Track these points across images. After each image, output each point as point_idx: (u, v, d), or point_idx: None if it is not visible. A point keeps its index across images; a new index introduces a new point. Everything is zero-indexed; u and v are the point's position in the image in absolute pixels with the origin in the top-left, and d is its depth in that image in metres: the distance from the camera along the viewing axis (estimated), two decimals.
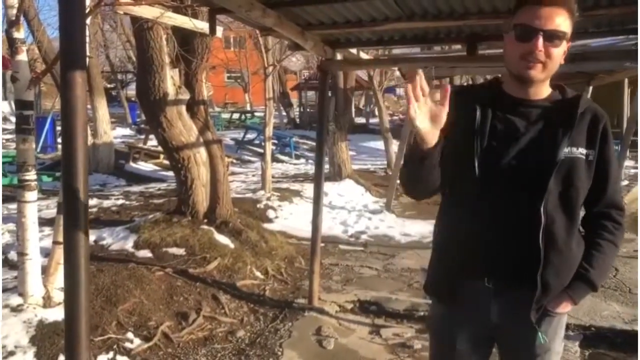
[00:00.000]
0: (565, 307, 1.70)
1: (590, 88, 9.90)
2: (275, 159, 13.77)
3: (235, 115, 26.19)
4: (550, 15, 1.55)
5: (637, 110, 8.06)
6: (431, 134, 1.48)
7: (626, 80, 13.40)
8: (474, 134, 1.64)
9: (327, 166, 10.06)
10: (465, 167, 1.64)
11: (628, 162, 12.51)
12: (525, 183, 1.61)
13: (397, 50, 10.00)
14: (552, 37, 1.55)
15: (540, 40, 1.55)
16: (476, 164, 1.62)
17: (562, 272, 1.67)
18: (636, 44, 5.37)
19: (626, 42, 5.44)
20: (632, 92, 11.44)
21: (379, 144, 15.03)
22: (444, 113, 1.46)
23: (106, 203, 7.97)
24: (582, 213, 1.75)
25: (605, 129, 1.66)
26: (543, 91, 1.68)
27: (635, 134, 11.00)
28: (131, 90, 25.67)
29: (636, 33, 4.32)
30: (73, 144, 1.87)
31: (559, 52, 1.59)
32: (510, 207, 1.63)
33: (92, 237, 5.43)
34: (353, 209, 8.58)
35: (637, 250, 6.22)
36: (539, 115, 1.66)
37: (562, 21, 1.56)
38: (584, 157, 1.63)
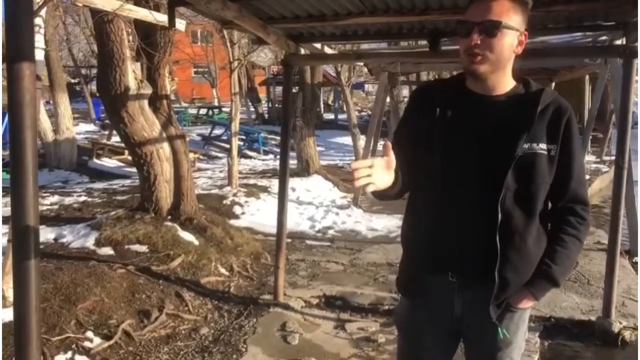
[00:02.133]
0: (526, 303, 1.71)
1: (553, 84, 10.13)
2: (243, 155, 13.67)
3: (203, 111, 25.90)
4: (487, 7, 1.55)
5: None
6: (384, 181, 1.48)
7: (587, 77, 13.72)
8: (434, 132, 1.65)
9: (295, 162, 10.04)
10: (426, 164, 1.66)
11: (589, 157, 12.83)
12: (484, 179, 1.62)
13: (365, 46, 10.03)
14: (488, 28, 1.55)
15: (475, 33, 1.55)
16: (436, 161, 1.64)
17: (520, 268, 1.66)
18: (593, 42, 5.50)
19: (585, 39, 5.57)
20: (593, 88, 11.71)
21: (347, 140, 15.05)
22: (390, 161, 1.48)
23: (68, 200, 7.79)
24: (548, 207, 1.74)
25: (569, 123, 1.64)
26: (503, 85, 1.67)
27: (596, 130, 11.30)
28: (95, 85, 25.14)
29: (593, 30, 4.42)
30: (20, 138, 1.82)
31: (502, 43, 1.57)
32: (469, 203, 1.64)
33: (52, 235, 5.31)
34: (321, 204, 8.58)
35: (596, 243, 6.37)
36: (499, 111, 1.65)
37: (501, 11, 1.55)
38: (545, 152, 1.61)
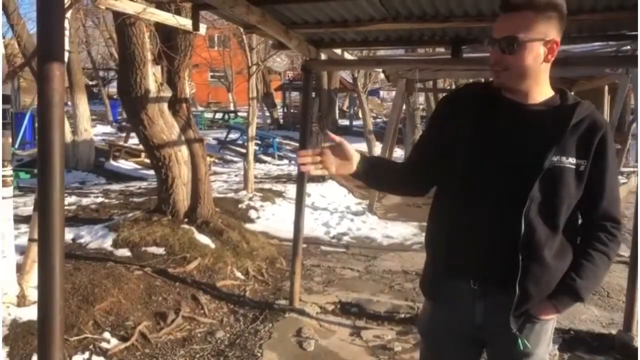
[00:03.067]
0: (548, 315, 1.69)
1: (572, 93, 10.04)
2: (258, 160, 13.71)
3: (218, 115, 26.06)
4: (508, 22, 1.55)
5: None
6: (343, 167, 1.68)
7: (606, 87, 13.59)
8: (464, 138, 1.65)
9: None
10: (454, 169, 1.66)
11: None
12: (509, 189, 1.60)
13: (381, 52, 10.02)
14: (506, 44, 1.55)
15: (496, 50, 1.57)
16: (464, 167, 1.64)
17: (542, 280, 1.64)
18: (616, 51, 5.45)
19: (606, 48, 5.52)
20: (612, 99, 11.60)
21: (362, 146, 15.01)
22: (344, 150, 1.67)
23: (85, 201, 7.86)
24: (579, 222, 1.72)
25: (603, 140, 1.60)
26: (537, 94, 1.64)
27: (615, 140, 11.15)
28: (113, 88, 25.39)
29: (617, 39, 4.38)
30: (49, 138, 1.82)
31: (522, 58, 1.55)
32: (494, 212, 1.63)
33: (70, 235, 5.35)
34: (335, 210, 8.57)
35: (616, 255, 6.28)
36: (532, 121, 1.63)
37: (520, 25, 1.53)
38: (573, 167, 1.59)
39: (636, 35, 4.02)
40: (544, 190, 1.58)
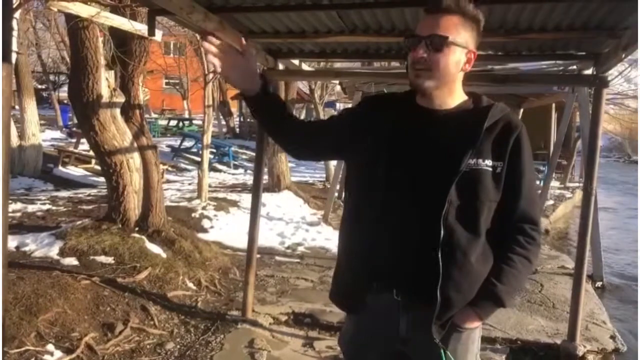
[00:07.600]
0: (472, 323, 1.64)
1: (521, 110, 10.39)
2: (213, 169, 13.56)
3: (173, 122, 25.69)
4: (434, 21, 1.54)
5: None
6: (242, 82, 1.62)
7: (553, 105, 14.12)
8: (382, 143, 1.62)
9: (265, 177, 9.99)
10: (370, 176, 1.63)
11: (553, 183, 13.14)
12: (427, 194, 1.57)
13: (338, 64, 10.10)
14: (433, 42, 1.52)
15: (422, 47, 1.53)
16: (381, 173, 1.60)
17: (463, 286, 1.59)
18: (563, 70, 5.67)
19: (553, 67, 5.73)
20: (559, 117, 12.05)
21: None
22: (245, 61, 1.59)
23: (31, 208, 7.57)
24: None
25: (518, 140, 1.60)
26: (451, 101, 1.64)
27: (561, 157, 11.59)
28: (63, 92, 24.70)
29: (565, 59, 4.55)
30: None
31: (448, 59, 1.55)
32: (412, 219, 1.58)
33: (13, 243, 5.14)
34: (291, 220, 8.54)
35: (561, 267, 6.49)
36: (446, 126, 1.61)
37: (447, 26, 1.53)
38: (490, 169, 1.57)
39: (583, 56, 4.20)
40: (463, 193, 1.56)
